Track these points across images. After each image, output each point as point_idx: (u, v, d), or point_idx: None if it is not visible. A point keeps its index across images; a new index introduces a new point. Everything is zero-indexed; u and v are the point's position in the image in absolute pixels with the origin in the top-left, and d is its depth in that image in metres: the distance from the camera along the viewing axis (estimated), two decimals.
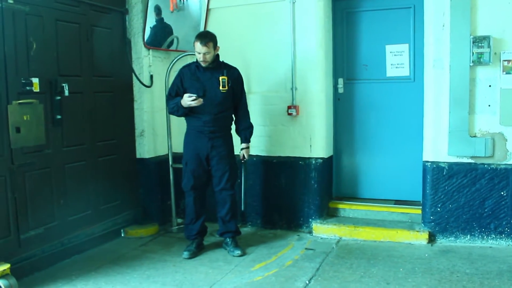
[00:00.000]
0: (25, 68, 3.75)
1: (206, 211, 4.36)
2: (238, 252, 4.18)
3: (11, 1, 3.58)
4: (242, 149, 4.28)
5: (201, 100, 3.96)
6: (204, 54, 3.98)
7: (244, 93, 4.29)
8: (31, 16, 3.77)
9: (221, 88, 4.07)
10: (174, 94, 4.17)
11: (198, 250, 4.27)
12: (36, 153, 3.86)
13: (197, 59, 4.08)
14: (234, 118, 4.28)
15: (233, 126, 4.30)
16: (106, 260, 4.13)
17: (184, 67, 4.23)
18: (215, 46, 4.05)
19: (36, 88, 3.82)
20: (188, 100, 3.95)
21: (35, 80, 3.82)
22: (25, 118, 3.74)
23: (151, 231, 4.84)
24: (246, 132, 4.27)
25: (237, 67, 4.24)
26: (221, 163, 4.16)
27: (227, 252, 4.24)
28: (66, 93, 4.05)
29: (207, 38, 4.00)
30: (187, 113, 4.11)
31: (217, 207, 4.30)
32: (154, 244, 4.56)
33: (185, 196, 4.32)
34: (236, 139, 4.33)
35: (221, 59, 4.18)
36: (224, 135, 4.19)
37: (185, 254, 4.17)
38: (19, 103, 3.67)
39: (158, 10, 4.76)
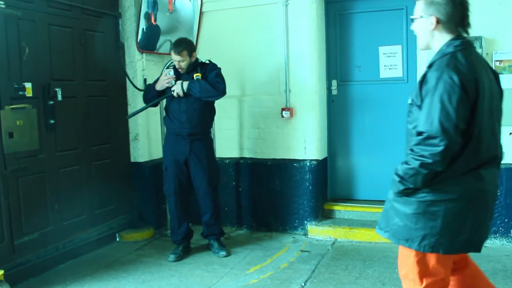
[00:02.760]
0: (17, 73, 3.73)
1: (191, 215, 4.35)
2: (223, 253, 4.21)
3: (3, 6, 3.57)
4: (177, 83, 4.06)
5: (174, 77, 4.04)
6: (179, 62, 4.04)
7: (218, 76, 4.08)
8: (24, 21, 3.76)
9: None
10: (150, 88, 4.24)
11: (185, 253, 4.25)
12: (30, 158, 3.84)
13: None
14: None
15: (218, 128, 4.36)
16: (101, 264, 4.11)
17: (169, 65, 4.28)
18: (191, 53, 4.08)
19: (29, 93, 3.81)
20: (164, 80, 4.05)
21: (28, 85, 3.81)
22: (18, 123, 3.73)
23: (146, 235, 4.83)
24: (199, 80, 4.04)
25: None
26: (200, 166, 4.14)
27: (212, 253, 4.28)
28: (59, 97, 4.04)
29: (180, 47, 4.04)
30: (165, 116, 4.17)
31: (201, 211, 4.30)
32: (149, 248, 4.55)
33: (167, 201, 4.31)
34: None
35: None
36: (203, 138, 4.17)
37: (171, 257, 4.15)
38: (12, 108, 3.66)
39: (148, 16, 4.75)
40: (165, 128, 4.37)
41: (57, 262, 4.05)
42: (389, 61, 4.74)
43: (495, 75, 2.18)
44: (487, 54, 4.03)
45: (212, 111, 4.27)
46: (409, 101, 2.12)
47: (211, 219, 4.25)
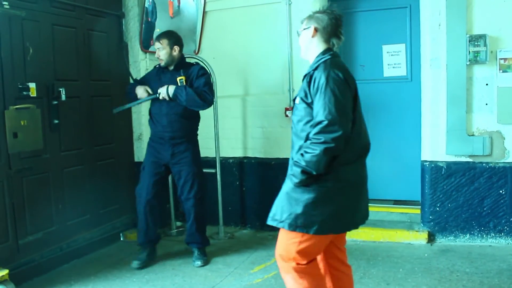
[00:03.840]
0: (21, 73, 3.75)
1: (160, 219, 4.20)
2: (198, 262, 4.02)
3: (7, 6, 3.58)
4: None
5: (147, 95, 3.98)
6: (158, 49, 3.93)
7: (207, 85, 3.95)
8: (28, 21, 3.77)
9: None
10: (135, 86, 4.15)
11: (150, 259, 4.09)
12: (34, 158, 3.86)
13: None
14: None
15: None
16: (105, 264, 4.12)
17: (154, 67, 4.19)
18: (172, 45, 3.93)
19: (33, 93, 3.82)
20: (141, 91, 4.01)
21: (32, 85, 3.82)
22: (22, 123, 3.74)
23: None
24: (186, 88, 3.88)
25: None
26: (183, 171, 3.99)
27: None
28: (63, 97, 4.04)
29: (162, 35, 3.99)
30: (149, 118, 4.08)
31: (185, 216, 4.18)
32: None
33: (136, 201, 4.11)
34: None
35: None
36: (187, 141, 4.00)
37: (135, 263, 3.99)
38: (16, 108, 3.67)
39: (146, 14, 4.77)
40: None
41: (61, 262, 4.06)
42: (393, 60, 4.72)
43: (355, 82, 2.49)
44: (491, 52, 4.01)
45: (196, 115, 4.10)
46: (297, 101, 2.39)
47: (192, 227, 4.08)
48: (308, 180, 2.28)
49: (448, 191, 4.26)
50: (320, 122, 2.21)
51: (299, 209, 2.31)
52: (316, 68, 2.35)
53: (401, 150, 4.79)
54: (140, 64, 4.89)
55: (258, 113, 4.81)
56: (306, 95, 2.32)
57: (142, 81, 4.19)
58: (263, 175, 4.85)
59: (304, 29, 2.51)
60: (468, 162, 4.20)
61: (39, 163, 3.91)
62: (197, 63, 4.17)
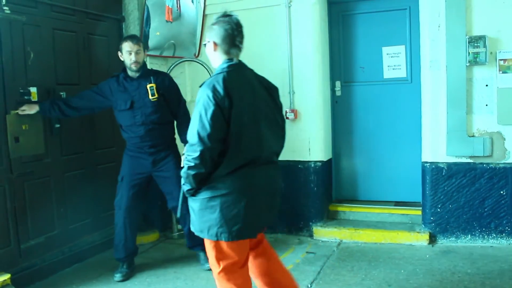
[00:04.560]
0: (23, 78, 3.76)
1: (137, 230, 4.08)
2: (207, 265, 3.79)
3: (8, 11, 3.59)
4: (183, 154, 3.89)
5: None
6: (136, 53, 3.73)
7: (182, 99, 3.98)
8: (28, 26, 3.78)
9: (150, 97, 3.75)
10: (84, 96, 3.91)
11: (131, 270, 3.97)
12: (36, 162, 3.87)
13: (124, 68, 3.85)
14: (176, 125, 3.98)
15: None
16: (106, 268, 4.12)
17: (110, 77, 3.93)
18: (144, 50, 3.88)
19: (34, 97, 3.83)
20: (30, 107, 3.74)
21: (33, 89, 3.83)
22: (24, 128, 3.75)
23: (152, 238, 4.84)
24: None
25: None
26: (168, 178, 3.85)
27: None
28: None
29: (137, 37, 3.88)
30: (122, 130, 3.90)
31: (180, 224, 4.04)
32: (155, 251, 4.55)
33: (115, 213, 3.96)
34: None
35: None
36: (167, 147, 3.89)
37: (118, 276, 3.86)
38: (18, 113, 3.68)
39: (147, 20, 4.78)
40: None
41: (63, 266, 4.06)
42: (393, 62, 4.73)
43: (271, 91, 2.69)
44: (491, 53, 4.02)
45: (171, 120, 3.97)
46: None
47: (191, 231, 3.99)
48: (190, 191, 2.49)
49: (449, 192, 4.26)
50: (187, 142, 2.41)
51: (194, 217, 2.55)
52: (201, 85, 2.47)
53: (402, 151, 4.80)
54: None
55: None
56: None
57: (98, 92, 3.90)
58: None
59: (207, 42, 2.60)
60: (468, 163, 4.21)
61: (41, 167, 3.92)
62: (164, 72, 4.07)
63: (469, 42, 4.04)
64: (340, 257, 4.15)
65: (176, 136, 4.05)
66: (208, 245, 2.55)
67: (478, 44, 4.03)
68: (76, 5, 4.26)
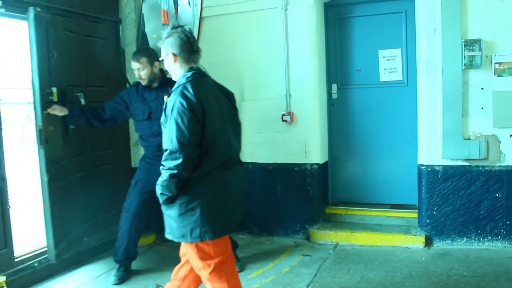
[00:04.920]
0: (47, 78, 3.72)
1: (140, 236, 4.08)
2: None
3: (39, 9, 3.60)
4: None
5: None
6: (138, 70, 3.79)
7: None
8: (50, 25, 3.77)
9: None
10: (106, 107, 3.97)
11: (127, 273, 3.96)
12: (57, 165, 3.81)
13: None
14: None
15: None
16: (103, 270, 4.11)
17: (130, 87, 4.01)
18: (152, 62, 3.82)
19: (55, 98, 3.80)
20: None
21: (54, 90, 3.80)
22: (50, 129, 3.73)
23: (148, 240, 4.83)
24: None
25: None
26: None
27: None
28: (83, 102, 4.08)
29: (139, 54, 3.84)
30: (140, 139, 3.96)
31: None
32: (151, 254, 4.55)
33: (121, 216, 3.95)
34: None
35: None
36: None
37: (114, 279, 3.85)
38: (47, 113, 3.65)
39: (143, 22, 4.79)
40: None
41: (58, 269, 4.04)
42: (389, 65, 4.75)
43: (229, 96, 2.80)
44: (486, 56, 4.04)
45: None
46: (162, 125, 2.59)
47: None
48: (168, 200, 2.54)
49: (445, 195, 4.27)
50: (165, 150, 2.49)
51: (174, 224, 2.60)
52: (169, 95, 2.59)
53: (398, 154, 4.81)
54: None
55: (255, 118, 4.81)
56: (164, 120, 2.55)
57: (119, 102, 3.98)
58: (260, 180, 4.85)
59: (164, 56, 2.68)
60: (464, 166, 4.22)
61: (61, 170, 3.86)
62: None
63: (464, 46, 4.06)
64: (336, 259, 4.15)
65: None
66: (192, 249, 2.62)
67: (474, 48, 4.04)
68: (74, 7, 4.26)
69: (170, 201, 2.55)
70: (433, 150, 4.28)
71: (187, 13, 5.01)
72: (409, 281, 3.61)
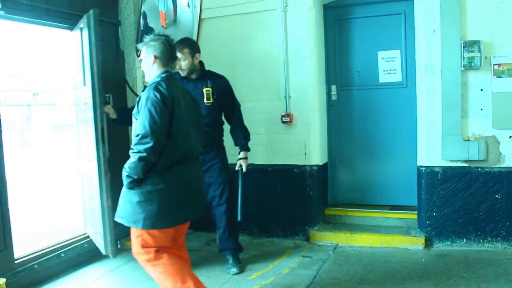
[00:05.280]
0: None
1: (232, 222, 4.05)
2: (234, 269, 3.96)
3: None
4: (239, 158, 4.08)
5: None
6: (179, 60, 3.78)
7: (237, 103, 4.11)
8: None
9: (205, 100, 3.88)
10: None
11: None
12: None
13: None
14: (230, 128, 4.12)
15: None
16: (102, 272, 4.11)
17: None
18: (194, 54, 3.87)
19: (111, 101, 4.06)
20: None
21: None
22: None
23: None
24: (242, 140, 4.07)
25: (229, 76, 4.15)
26: (213, 177, 3.97)
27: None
28: (111, 103, 4.16)
29: (182, 44, 3.84)
30: None
31: (216, 223, 4.13)
32: None
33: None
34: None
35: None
36: (215, 149, 4.00)
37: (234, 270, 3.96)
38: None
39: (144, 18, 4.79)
40: None
41: (59, 271, 4.04)
42: (388, 66, 4.75)
43: (194, 100, 3.07)
44: (485, 57, 4.04)
45: (221, 123, 4.12)
46: (133, 118, 2.85)
47: (224, 233, 4.03)
48: (132, 183, 2.76)
49: (445, 196, 4.27)
50: (137, 135, 2.72)
51: (130, 209, 2.80)
52: (144, 89, 2.85)
53: (397, 155, 4.81)
54: (136, 71, 4.91)
55: (254, 119, 4.81)
56: (136, 112, 2.81)
57: None
58: (260, 181, 4.85)
59: (144, 57, 2.93)
60: (464, 167, 4.22)
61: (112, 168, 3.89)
62: (221, 75, 4.08)
63: (464, 47, 4.07)
64: (336, 261, 4.15)
65: (224, 138, 4.16)
66: (138, 235, 2.84)
67: (473, 49, 4.05)
68: (73, 9, 4.26)
69: (133, 185, 2.76)
70: (432, 151, 4.28)
71: (187, 15, 5.01)
72: (409, 282, 3.61)
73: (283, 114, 4.70)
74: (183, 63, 3.84)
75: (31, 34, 13.70)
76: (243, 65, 4.86)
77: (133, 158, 2.71)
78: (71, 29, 4.29)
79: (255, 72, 4.83)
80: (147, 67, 2.94)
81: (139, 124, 2.72)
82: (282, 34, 4.66)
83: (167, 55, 2.92)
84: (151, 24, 4.86)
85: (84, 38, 3.81)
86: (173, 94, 2.80)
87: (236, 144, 4.15)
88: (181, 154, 2.85)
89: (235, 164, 4.13)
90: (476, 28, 4.08)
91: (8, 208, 3.65)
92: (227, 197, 4.00)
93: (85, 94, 3.89)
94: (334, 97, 4.99)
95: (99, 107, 3.72)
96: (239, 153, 4.09)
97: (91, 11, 3.68)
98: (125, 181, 2.77)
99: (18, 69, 19.64)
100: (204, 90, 3.89)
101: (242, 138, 4.08)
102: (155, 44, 2.91)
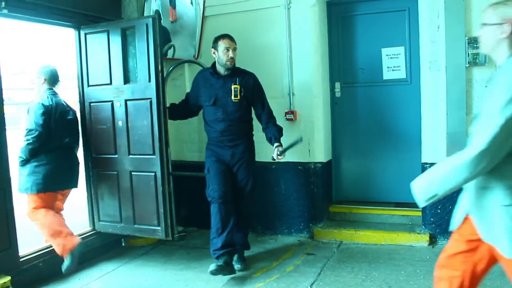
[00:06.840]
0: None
1: (235, 224, 3.92)
2: (238, 266, 3.92)
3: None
4: (276, 146, 3.95)
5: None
6: (234, 50, 3.87)
7: (265, 100, 4.07)
8: None
9: (232, 97, 3.87)
10: (189, 97, 4.17)
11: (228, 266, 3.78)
12: None
13: (213, 63, 3.98)
14: (259, 122, 4.11)
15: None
16: (106, 270, 4.12)
17: (199, 73, 4.12)
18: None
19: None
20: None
21: None
22: None
23: (152, 239, 4.82)
24: (275, 133, 3.99)
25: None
26: (243, 170, 3.99)
27: None
28: None
29: (231, 36, 3.93)
30: (204, 123, 4.05)
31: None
32: (155, 253, 4.55)
33: (210, 206, 3.91)
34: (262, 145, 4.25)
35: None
36: (244, 142, 4.01)
37: (211, 266, 3.71)
38: None
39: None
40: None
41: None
42: (392, 63, 4.73)
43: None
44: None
45: (250, 118, 4.10)
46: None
47: (235, 226, 3.96)
48: (23, 162, 3.84)
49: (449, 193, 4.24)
50: (26, 129, 3.80)
51: (23, 179, 3.85)
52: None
53: (402, 152, 4.79)
54: None
55: None
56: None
57: (194, 88, 4.11)
58: (263, 179, 4.85)
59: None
60: None
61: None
62: (251, 73, 4.07)
63: (468, 43, 4.05)
64: (340, 258, 4.15)
65: (254, 132, 4.18)
66: (30, 198, 3.88)
67: (478, 45, 4.01)
68: (76, 8, 4.26)
69: (23, 163, 3.83)
70: (437, 148, 4.26)
71: (190, 13, 5.01)
72: (414, 279, 3.60)
73: (286, 111, 4.69)
74: (234, 53, 3.89)
75: (35, 32, 13.74)
76: (246, 63, 4.81)
77: (23, 143, 3.82)
78: (74, 27, 4.30)
79: (259, 70, 4.78)
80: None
81: (29, 120, 3.87)
82: (285, 31, 4.65)
83: None
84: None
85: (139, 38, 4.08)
86: None
87: (268, 138, 4.05)
88: (57, 142, 3.89)
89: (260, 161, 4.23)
90: (480, 24, 4.04)
91: (12, 206, 3.66)
92: (249, 191, 4.05)
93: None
94: (338, 94, 4.98)
95: (162, 103, 4.03)
96: (273, 145, 3.99)
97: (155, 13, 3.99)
98: (19, 159, 3.85)
99: (22, 67, 19.71)
100: (233, 87, 3.89)
101: (275, 132, 4.00)
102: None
